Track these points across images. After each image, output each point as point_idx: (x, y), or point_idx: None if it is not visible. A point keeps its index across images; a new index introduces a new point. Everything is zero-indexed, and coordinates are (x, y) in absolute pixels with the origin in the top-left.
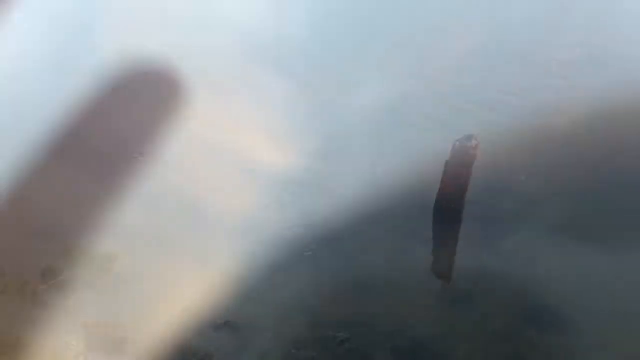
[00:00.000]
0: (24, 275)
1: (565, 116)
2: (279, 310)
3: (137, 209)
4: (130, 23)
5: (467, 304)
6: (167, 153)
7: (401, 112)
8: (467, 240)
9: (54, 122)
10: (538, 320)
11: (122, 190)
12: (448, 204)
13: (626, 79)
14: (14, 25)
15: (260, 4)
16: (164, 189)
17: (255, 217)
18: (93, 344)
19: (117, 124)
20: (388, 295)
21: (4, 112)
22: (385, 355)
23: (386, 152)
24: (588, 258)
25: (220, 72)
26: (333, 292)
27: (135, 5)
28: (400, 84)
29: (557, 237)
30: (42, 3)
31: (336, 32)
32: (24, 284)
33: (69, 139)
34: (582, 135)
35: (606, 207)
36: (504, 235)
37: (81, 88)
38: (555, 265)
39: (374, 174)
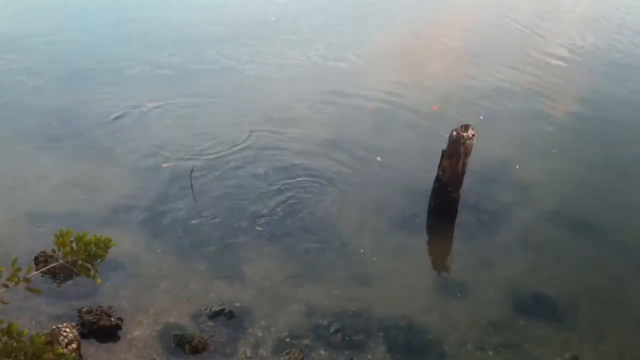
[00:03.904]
0: (17, 261)
1: (561, 106)
2: (274, 299)
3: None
4: None
5: (461, 293)
6: None
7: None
8: (463, 228)
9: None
10: (531, 310)
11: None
12: (444, 193)
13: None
14: None
15: None
16: None
17: None
18: (86, 330)
19: None
20: (382, 285)
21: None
22: (378, 344)
23: (385, 141)
24: (582, 246)
25: None
26: (327, 282)
27: None
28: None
29: (551, 225)
30: None
31: None
32: (17, 270)
33: None
34: (577, 123)
35: (600, 194)
36: (499, 224)
37: None
38: (549, 253)
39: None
